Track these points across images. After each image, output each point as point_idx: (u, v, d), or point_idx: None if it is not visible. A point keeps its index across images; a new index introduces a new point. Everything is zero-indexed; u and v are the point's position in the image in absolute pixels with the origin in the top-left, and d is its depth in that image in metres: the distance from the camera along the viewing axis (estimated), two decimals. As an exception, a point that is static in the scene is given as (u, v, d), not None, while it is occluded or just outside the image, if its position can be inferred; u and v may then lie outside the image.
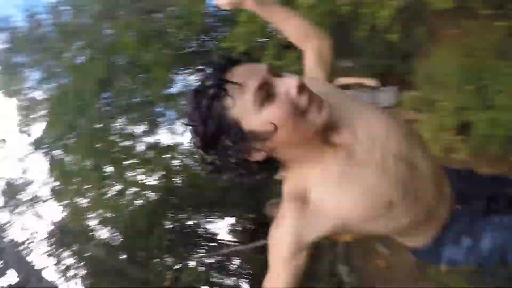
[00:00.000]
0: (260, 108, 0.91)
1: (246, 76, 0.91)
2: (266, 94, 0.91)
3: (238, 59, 0.99)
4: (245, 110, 0.91)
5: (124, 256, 11.46)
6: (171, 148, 10.31)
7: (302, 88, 0.93)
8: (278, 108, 0.91)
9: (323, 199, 1.03)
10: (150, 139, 10.06)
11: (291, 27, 1.41)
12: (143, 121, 9.72)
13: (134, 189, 10.48)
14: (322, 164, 1.04)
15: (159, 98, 8.86)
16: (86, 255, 11.03)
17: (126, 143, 9.49)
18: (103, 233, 11.50)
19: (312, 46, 1.36)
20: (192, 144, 1.02)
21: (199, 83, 0.95)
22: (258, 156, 0.97)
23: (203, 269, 12.54)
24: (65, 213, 10.67)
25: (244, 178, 1.03)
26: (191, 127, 0.95)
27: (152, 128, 10.00)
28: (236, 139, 0.93)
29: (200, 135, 0.94)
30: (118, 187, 10.14)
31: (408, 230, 1.20)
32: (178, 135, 10.48)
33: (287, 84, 0.92)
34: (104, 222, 11.19)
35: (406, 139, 1.11)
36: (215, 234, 13.46)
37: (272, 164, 1.04)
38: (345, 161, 1.04)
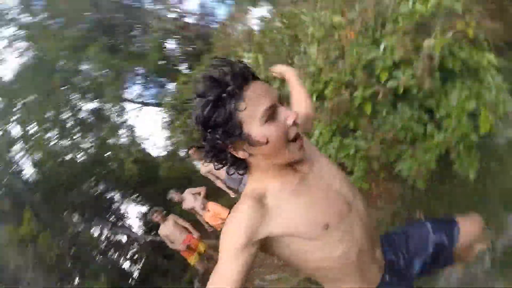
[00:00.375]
0: (264, 123, 1.11)
1: (263, 93, 1.13)
2: (271, 114, 1.12)
3: (256, 75, 1.18)
4: (252, 118, 1.11)
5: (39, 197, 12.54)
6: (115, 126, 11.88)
7: (296, 122, 1.16)
8: (276, 130, 1.13)
9: (277, 206, 1.19)
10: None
11: (301, 97, 1.74)
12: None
13: (68, 142, 12.00)
14: (282, 179, 1.23)
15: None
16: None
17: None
18: (30, 172, 12.80)
19: (302, 112, 1.61)
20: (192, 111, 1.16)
21: (220, 74, 1.12)
22: (241, 155, 1.18)
23: (102, 238, 13.77)
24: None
25: (217, 162, 1.22)
26: (199, 102, 1.13)
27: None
28: (233, 135, 1.12)
29: (205, 115, 1.12)
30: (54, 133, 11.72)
31: (339, 273, 1.31)
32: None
33: (287, 114, 1.15)
34: (36, 164, 12.52)
35: (348, 187, 1.35)
36: (124, 215, 14.58)
37: (242, 165, 1.25)
38: (299, 182, 1.24)
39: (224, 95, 1.10)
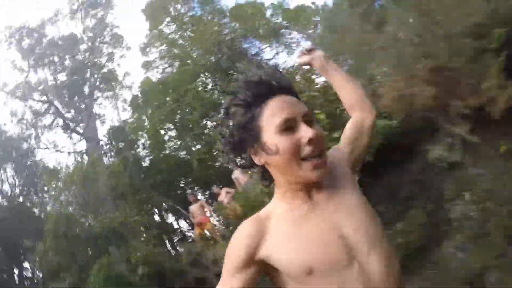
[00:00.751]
0: (278, 133, 1.12)
1: (287, 105, 1.14)
2: (289, 126, 1.12)
3: (292, 89, 1.22)
4: (270, 126, 1.13)
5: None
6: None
7: (312, 141, 1.10)
8: (285, 142, 1.10)
9: (276, 230, 1.15)
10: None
11: (346, 92, 1.50)
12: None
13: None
14: (291, 204, 1.18)
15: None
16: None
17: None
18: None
19: (356, 117, 1.45)
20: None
21: (255, 79, 1.18)
22: (257, 161, 1.19)
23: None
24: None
25: (241, 163, 1.27)
26: (231, 99, 1.21)
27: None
28: (252, 138, 1.17)
29: (232, 113, 1.20)
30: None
31: None
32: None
33: (304, 132, 1.11)
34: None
35: (367, 239, 1.11)
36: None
37: (266, 175, 1.24)
38: (306, 212, 1.15)
39: (250, 99, 1.16)
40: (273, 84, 1.17)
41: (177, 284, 7.89)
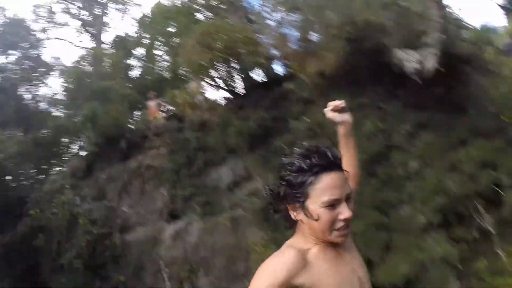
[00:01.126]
0: (323, 206, 1.32)
1: (337, 185, 1.34)
2: (333, 203, 1.33)
3: (342, 168, 1.39)
4: (317, 198, 1.33)
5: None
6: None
7: (348, 220, 1.35)
8: (326, 216, 1.33)
9: (316, 265, 1.34)
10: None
11: (352, 161, 1.72)
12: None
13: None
14: (323, 249, 1.40)
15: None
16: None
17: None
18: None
19: (355, 181, 1.71)
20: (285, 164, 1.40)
21: (313, 151, 1.36)
22: (293, 216, 1.41)
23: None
24: None
25: (276, 210, 1.47)
26: (290, 159, 1.39)
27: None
28: (296, 199, 1.36)
29: (286, 172, 1.37)
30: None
31: None
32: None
33: (343, 212, 1.33)
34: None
35: (367, 279, 1.48)
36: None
37: (292, 223, 1.46)
38: (336, 258, 1.41)
39: (306, 167, 1.33)
40: (330, 159, 1.35)
41: (128, 134, 11.65)
